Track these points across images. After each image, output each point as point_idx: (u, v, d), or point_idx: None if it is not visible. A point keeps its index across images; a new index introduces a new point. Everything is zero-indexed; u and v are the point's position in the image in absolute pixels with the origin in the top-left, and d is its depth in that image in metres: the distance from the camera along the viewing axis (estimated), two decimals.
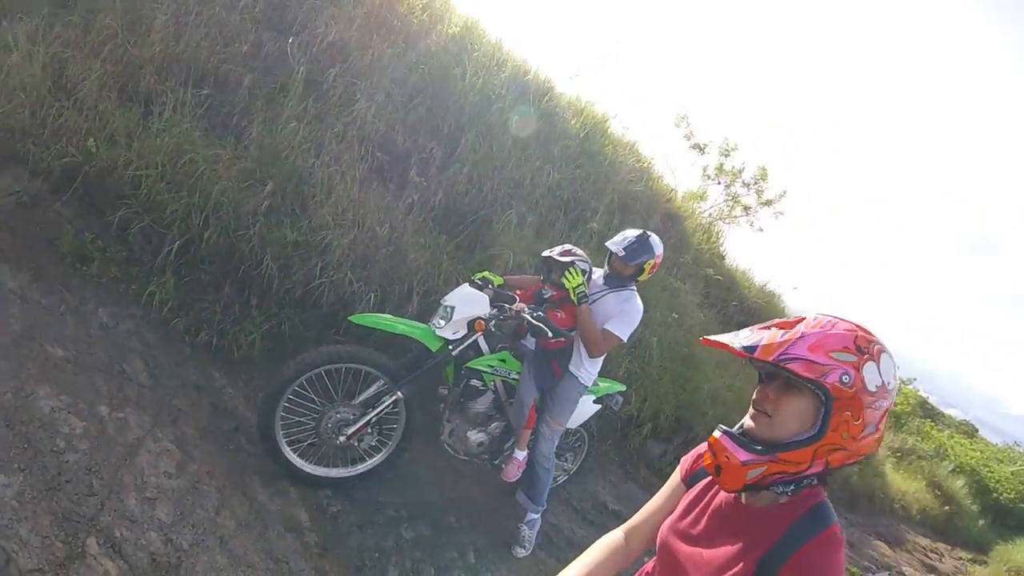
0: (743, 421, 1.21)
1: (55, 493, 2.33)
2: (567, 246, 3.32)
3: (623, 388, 4.03)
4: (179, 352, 3.30)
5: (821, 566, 1.08)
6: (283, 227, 3.58)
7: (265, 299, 3.51)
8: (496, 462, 3.54)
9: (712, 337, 1.19)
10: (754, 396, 1.20)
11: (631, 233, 3.26)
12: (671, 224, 6.54)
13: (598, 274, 3.41)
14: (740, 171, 8.55)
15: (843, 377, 1.07)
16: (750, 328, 1.23)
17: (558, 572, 3.77)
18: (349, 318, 3.10)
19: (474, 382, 3.31)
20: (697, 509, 1.27)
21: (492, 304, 3.22)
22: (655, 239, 3.28)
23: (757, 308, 7.16)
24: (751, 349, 1.12)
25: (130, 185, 3.43)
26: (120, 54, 3.84)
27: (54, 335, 2.94)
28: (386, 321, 3.12)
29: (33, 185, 3.39)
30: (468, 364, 3.26)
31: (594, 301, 3.29)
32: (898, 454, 11.89)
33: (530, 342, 3.44)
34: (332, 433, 3.04)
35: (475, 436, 3.38)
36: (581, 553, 3.95)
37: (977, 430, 21.96)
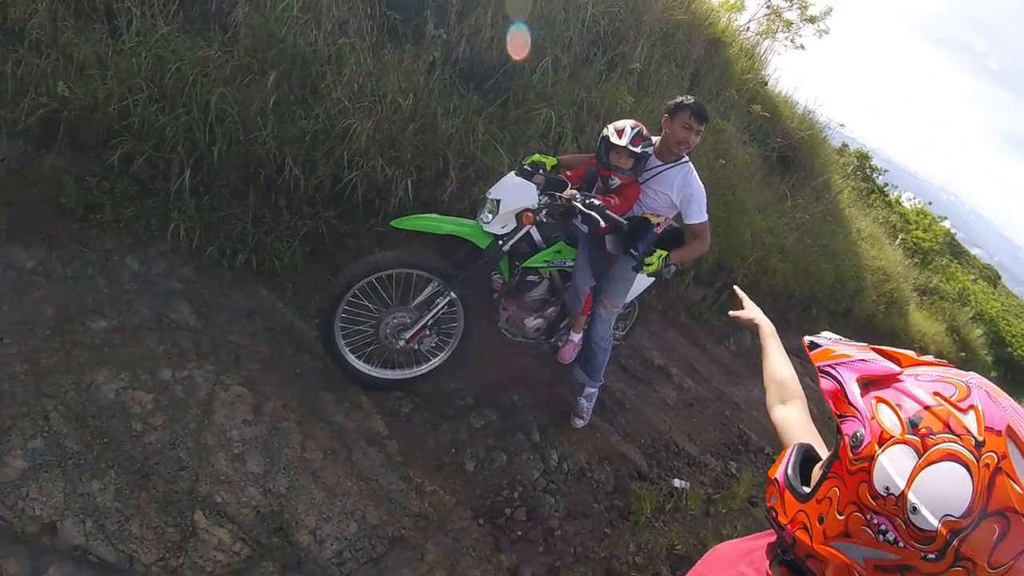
0: None
1: (149, 480, 2.32)
2: (634, 126, 2.92)
3: None
4: (220, 280, 3.11)
5: None
6: (297, 120, 3.16)
7: (294, 202, 3.23)
8: (552, 341, 3.54)
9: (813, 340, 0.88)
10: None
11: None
12: (714, 52, 5.81)
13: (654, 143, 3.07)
14: None
15: (857, 433, 0.72)
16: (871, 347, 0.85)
17: (614, 435, 3.92)
18: (390, 224, 2.86)
19: (530, 277, 3.18)
20: None
21: (542, 192, 2.94)
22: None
23: (800, 143, 6.68)
24: (813, 345, 0.85)
25: (119, 118, 2.98)
26: None
27: (91, 305, 2.74)
28: (431, 222, 2.90)
29: (14, 149, 2.99)
30: (524, 263, 3.09)
31: (652, 177, 3.02)
32: (922, 293, 11.72)
33: (582, 225, 3.22)
34: (391, 339, 2.99)
35: (532, 322, 3.34)
36: (634, 414, 4.08)
37: (1000, 277, 21.90)
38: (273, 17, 3.31)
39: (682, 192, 2.99)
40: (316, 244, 3.30)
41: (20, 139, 3.01)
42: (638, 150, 2.88)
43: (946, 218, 17.02)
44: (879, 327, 8.83)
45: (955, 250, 19.62)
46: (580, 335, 3.43)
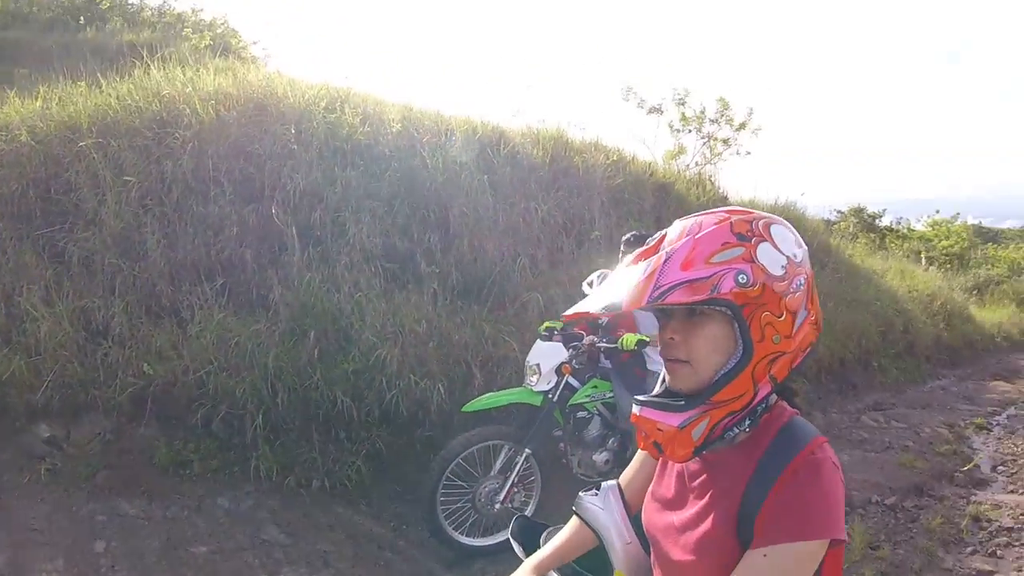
0: (662, 377, 1.01)
1: None
2: (600, 274, 3.67)
3: None
4: (301, 504, 3.65)
5: (807, 493, 0.87)
6: (339, 363, 3.95)
7: (351, 429, 3.86)
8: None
9: (571, 311, 1.01)
10: (659, 347, 0.98)
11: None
12: (664, 195, 6.75)
13: None
14: (702, 112, 8.78)
15: (739, 278, 0.85)
16: (610, 275, 1.05)
17: None
18: (462, 409, 3.52)
19: (580, 414, 3.67)
20: (665, 471, 1.09)
21: (567, 346, 3.55)
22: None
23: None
24: (614, 307, 0.91)
25: (196, 387, 3.79)
26: (131, 282, 4.19)
27: (191, 537, 3.29)
28: (492, 399, 3.56)
29: (110, 423, 3.76)
30: (569, 402, 3.62)
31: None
32: (975, 292, 11.92)
33: (606, 361, 3.75)
34: (488, 504, 3.43)
35: (600, 457, 3.68)
36: None
37: None
38: (302, 291, 4.26)
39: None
40: (376, 460, 3.84)
41: (114, 415, 3.73)
42: (604, 315, 3.53)
43: (958, 213, 17.47)
44: (951, 344, 8.67)
45: (987, 235, 20.20)
46: None
